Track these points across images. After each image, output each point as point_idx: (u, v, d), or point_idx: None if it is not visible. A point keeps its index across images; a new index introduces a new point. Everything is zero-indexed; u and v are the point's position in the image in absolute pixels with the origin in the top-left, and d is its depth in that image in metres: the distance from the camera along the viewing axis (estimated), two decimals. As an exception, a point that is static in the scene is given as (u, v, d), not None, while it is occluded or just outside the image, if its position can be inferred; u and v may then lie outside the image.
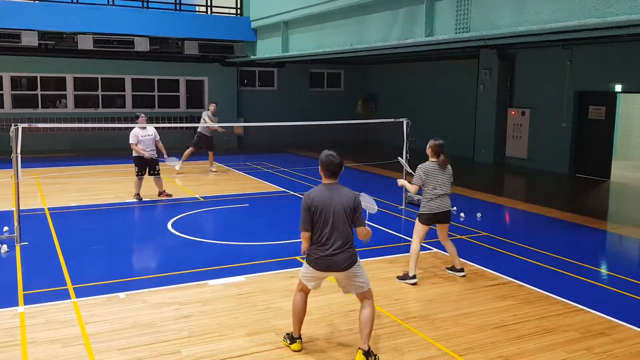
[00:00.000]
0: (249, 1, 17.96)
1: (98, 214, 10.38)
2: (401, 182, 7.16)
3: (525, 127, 16.43)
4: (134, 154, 11.12)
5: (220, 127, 14.90)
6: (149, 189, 11.55)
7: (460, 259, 7.16)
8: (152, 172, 11.24)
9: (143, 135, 11.05)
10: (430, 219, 6.79)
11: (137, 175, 11.19)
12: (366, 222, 4.93)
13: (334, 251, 4.72)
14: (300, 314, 5.01)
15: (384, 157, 14.86)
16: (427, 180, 6.70)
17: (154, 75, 20.15)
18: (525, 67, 16.52)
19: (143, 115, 11.29)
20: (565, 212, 10.83)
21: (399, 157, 9.49)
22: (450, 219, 6.95)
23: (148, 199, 11.42)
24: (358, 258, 4.87)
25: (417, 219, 6.91)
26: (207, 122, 14.50)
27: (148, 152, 11.04)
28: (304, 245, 4.83)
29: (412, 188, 6.80)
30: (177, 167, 14.20)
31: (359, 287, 4.86)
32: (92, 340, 5.16)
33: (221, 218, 10.53)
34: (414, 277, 6.72)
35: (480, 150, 17.74)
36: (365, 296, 4.87)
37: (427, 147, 6.85)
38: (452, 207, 7.04)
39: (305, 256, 4.92)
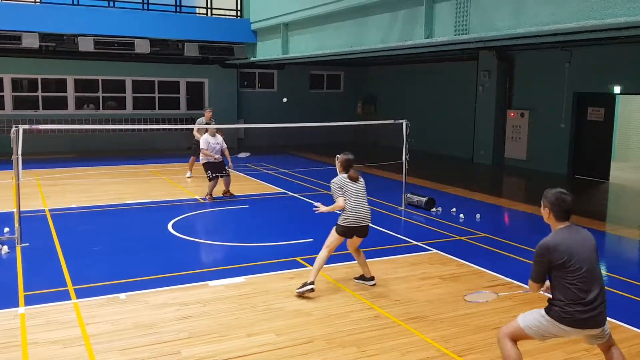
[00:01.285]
0: (249, 3, 17.99)
1: (99, 215, 10.39)
2: (322, 208, 6.44)
3: (524, 129, 16.45)
4: (203, 160, 11.59)
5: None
6: (154, 189, 11.56)
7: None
8: (222, 172, 11.68)
9: (213, 143, 11.62)
10: (346, 232, 6.36)
11: (209, 179, 11.57)
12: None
13: (598, 305, 3.88)
14: None
15: (383, 158, 14.87)
16: (345, 193, 6.33)
17: (155, 76, 20.19)
18: (524, 68, 16.55)
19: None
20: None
21: None
22: (367, 233, 6.50)
23: (149, 200, 11.44)
24: None
25: (334, 227, 6.43)
26: (195, 129, 13.91)
27: (216, 159, 11.56)
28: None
29: (338, 203, 6.31)
30: (187, 175, 14.18)
31: (607, 335, 4.07)
32: (92, 341, 5.18)
33: (221, 219, 10.55)
34: (312, 283, 6.27)
35: (479, 151, 17.76)
36: (612, 341, 4.12)
37: (337, 161, 6.54)
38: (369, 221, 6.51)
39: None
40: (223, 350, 5.04)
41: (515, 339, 4.11)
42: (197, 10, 19.65)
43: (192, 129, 18.09)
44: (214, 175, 11.54)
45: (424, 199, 10.89)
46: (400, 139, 10.78)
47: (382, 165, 15.08)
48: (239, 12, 18.67)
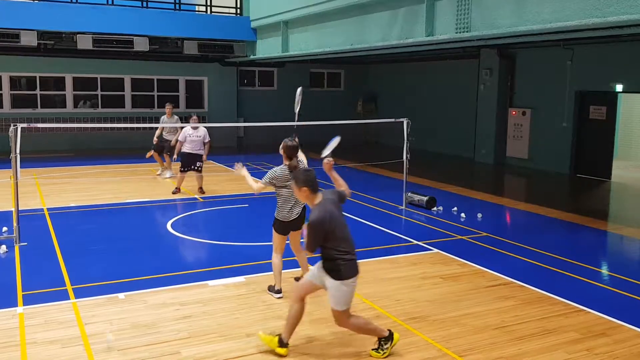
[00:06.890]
0: (248, 1, 17.92)
1: (97, 214, 10.35)
2: (243, 171, 6.13)
3: (525, 127, 16.41)
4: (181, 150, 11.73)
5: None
6: (153, 188, 11.52)
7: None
8: (193, 167, 11.68)
9: (191, 135, 11.54)
10: (282, 227, 6.30)
11: (180, 171, 11.76)
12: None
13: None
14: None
15: (384, 157, 14.84)
16: (277, 185, 6.12)
17: (154, 75, 20.13)
18: (526, 67, 16.50)
19: (195, 116, 11.91)
20: (565, 212, 10.81)
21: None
22: (300, 226, 6.25)
23: (148, 199, 11.40)
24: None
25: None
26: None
27: (193, 150, 11.55)
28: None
29: (254, 185, 6.08)
30: (167, 175, 13.92)
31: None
32: (91, 340, 5.14)
33: (221, 218, 10.50)
34: (279, 291, 6.28)
35: (480, 150, 17.72)
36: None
37: (280, 147, 6.15)
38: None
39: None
40: (223, 350, 5.01)
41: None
42: (197, 7, 19.61)
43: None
44: (183, 168, 11.68)
45: (425, 198, 10.85)
46: (401, 137, 10.74)
47: (382, 164, 15.04)
48: (238, 10, 18.62)
